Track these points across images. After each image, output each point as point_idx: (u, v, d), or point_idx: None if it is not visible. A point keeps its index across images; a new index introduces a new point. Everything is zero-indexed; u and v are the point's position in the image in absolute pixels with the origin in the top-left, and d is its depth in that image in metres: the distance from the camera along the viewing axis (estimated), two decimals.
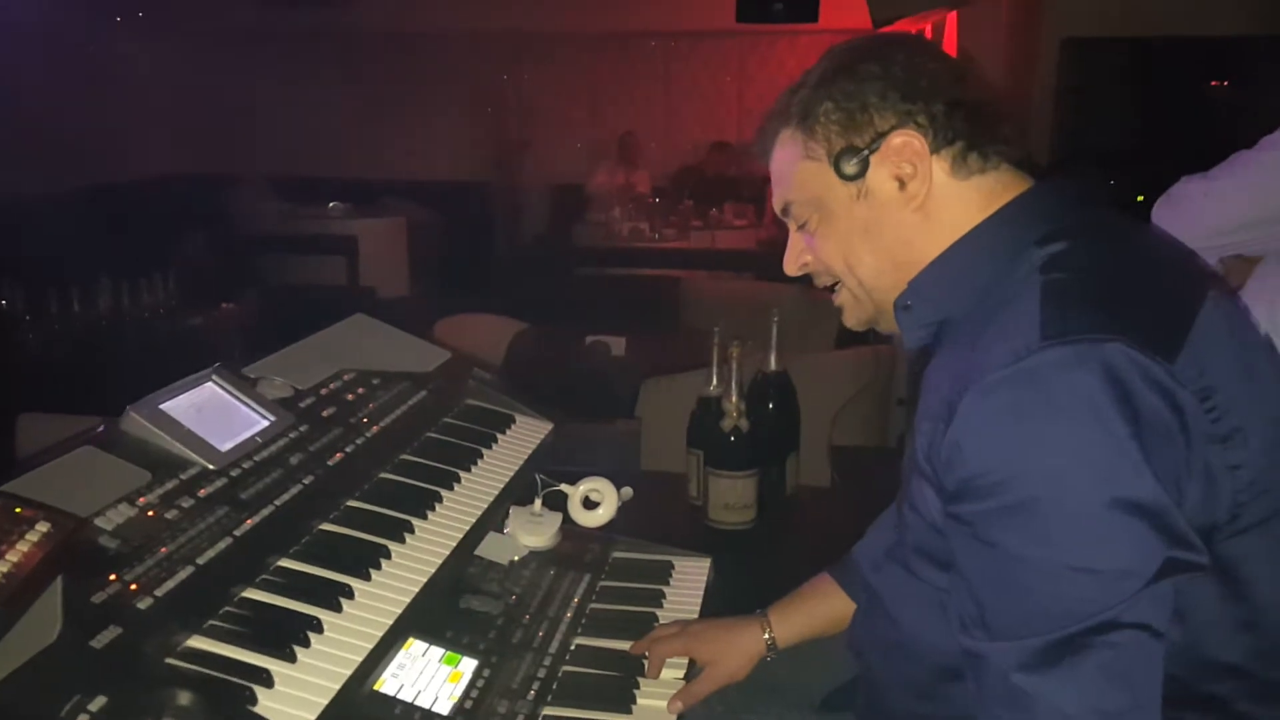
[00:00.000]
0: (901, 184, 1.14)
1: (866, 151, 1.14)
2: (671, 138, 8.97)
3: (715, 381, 2.21)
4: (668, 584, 1.75)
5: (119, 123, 6.29)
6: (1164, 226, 1.93)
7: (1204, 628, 1.02)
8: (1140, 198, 6.38)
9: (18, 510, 1.08)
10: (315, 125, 7.72)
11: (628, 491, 1.84)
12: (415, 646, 1.39)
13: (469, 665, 1.40)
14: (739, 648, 1.53)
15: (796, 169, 1.21)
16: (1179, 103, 6.04)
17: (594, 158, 8.32)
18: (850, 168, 1.15)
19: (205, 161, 7.42)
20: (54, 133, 5.87)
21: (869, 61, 1.16)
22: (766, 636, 1.53)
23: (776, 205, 1.27)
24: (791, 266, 1.27)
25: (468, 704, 1.33)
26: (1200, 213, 1.94)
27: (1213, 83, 6.24)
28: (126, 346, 4.47)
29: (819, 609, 1.55)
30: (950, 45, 6.75)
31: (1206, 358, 0.96)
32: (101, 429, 1.34)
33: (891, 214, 1.16)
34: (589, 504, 1.83)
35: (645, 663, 1.51)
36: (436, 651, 1.40)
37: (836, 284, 1.26)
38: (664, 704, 1.43)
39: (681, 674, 1.50)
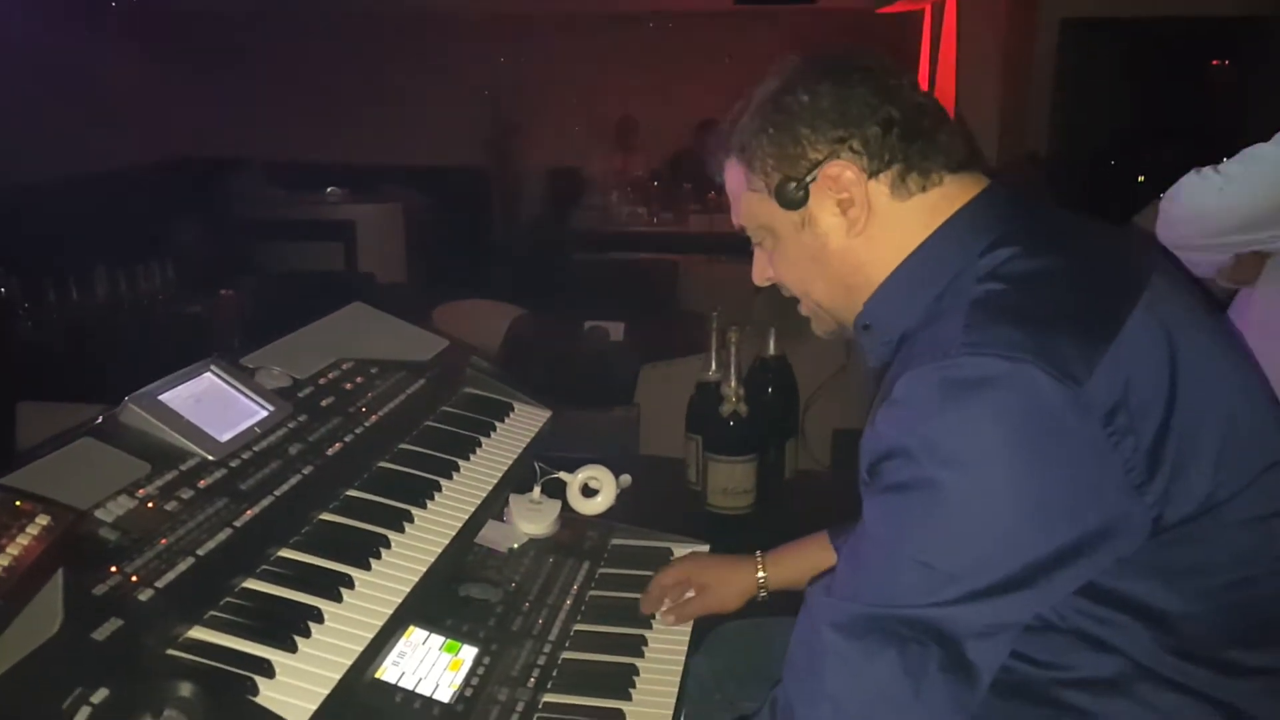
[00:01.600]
0: (842, 212, 1.16)
1: (805, 182, 1.15)
2: (670, 121, 8.94)
3: (714, 366, 2.21)
4: None
5: (113, 109, 6.26)
6: (1172, 223, 1.88)
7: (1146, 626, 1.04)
8: (1141, 178, 6.38)
9: (18, 504, 1.08)
10: (310, 110, 7.69)
11: (626, 479, 1.85)
12: (416, 635, 1.40)
13: (469, 653, 1.41)
14: (734, 581, 1.65)
15: (743, 198, 1.23)
16: (1179, 83, 6.02)
17: (591, 141, 8.29)
18: (791, 199, 1.16)
19: (201, 147, 7.39)
20: (49, 119, 5.85)
21: (797, 92, 1.16)
22: (760, 575, 1.64)
23: (736, 224, 1.29)
24: (758, 279, 1.30)
25: (468, 691, 1.34)
26: (1214, 210, 1.84)
27: (1213, 62, 6.23)
28: (125, 334, 4.46)
29: (811, 559, 1.61)
30: (950, 28, 6.73)
31: (1128, 368, 0.98)
32: (100, 420, 1.34)
33: (836, 240, 1.17)
34: (588, 491, 1.84)
35: (644, 649, 1.52)
36: (437, 639, 1.41)
37: None
38: (665, 689, 1.44)
39: (683, 656, 1.52)
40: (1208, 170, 1.86)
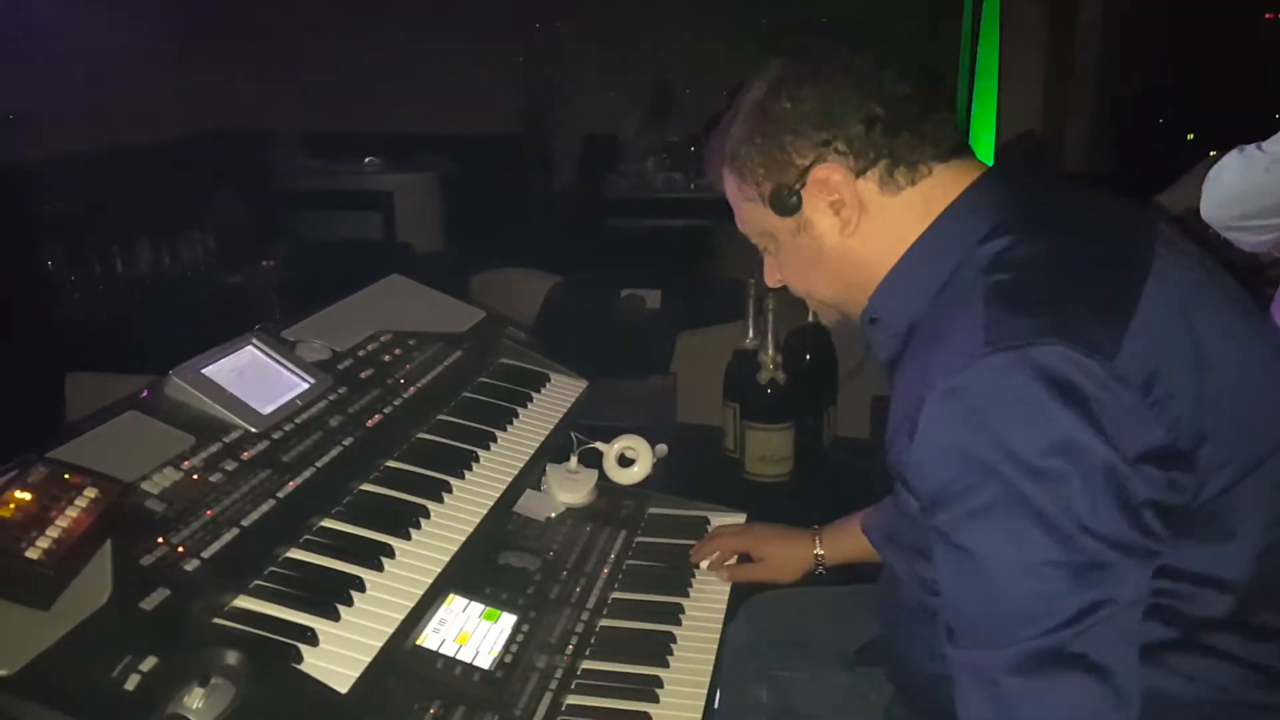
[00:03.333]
0: (836, 212, 1.15)
1: (795, 188, 1.15)
2: (707, 85, 8.85)
3: (751, 334, 2.20)
4: (702, 539, 1.76)
5: (154, 81, 6.32)
6: (1219, 204, 1.82)
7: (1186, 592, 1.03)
8: (1190, 136, 6.22)
9: (66, 477, 1.11)
10: (347, 80, 7.70)
11: (662, 449, 1.85)
12: (456, 602, 1.42)
13: (508, 620, 1.43)
14: (794, 554, 1.67)
15: (740, 207, 1.23)
16: (1230, 38, 5.85)
17: (627, 106, 8.23)
18: (784, 206, 1.16)
19: (240, 120, 7.44)
20: (91, 92, 5.92)
21: (780, 98, 1.14)
22: (818, 551, 1.66)
23: (740, 227, 1.29)
24: (770, 282, 1.29)
25: (508, 658, 1.36)
26: (1262, 189, 1.78)
27: (1266, 16, 6.04)
28: (168, 305, 4.53)
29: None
30: None
31: (1153, 340, 0.97)
32: (145, 394, 1.37)
33: (832, 240, 1.17)
34: (624, 461, 1.84)
35: (682, 616, 1.53)
36: (476, 607, 1.43)
37: None
38: (701, 657, 1.45)
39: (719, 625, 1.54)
40: (1250, 149, 1.80)
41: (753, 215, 1.22)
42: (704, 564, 1.68)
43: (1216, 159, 1.96)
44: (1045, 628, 0.94)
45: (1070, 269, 1.03)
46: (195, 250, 4.86)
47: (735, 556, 1.70)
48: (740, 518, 1.82)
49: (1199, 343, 1.01)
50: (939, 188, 1.13)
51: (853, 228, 1.15)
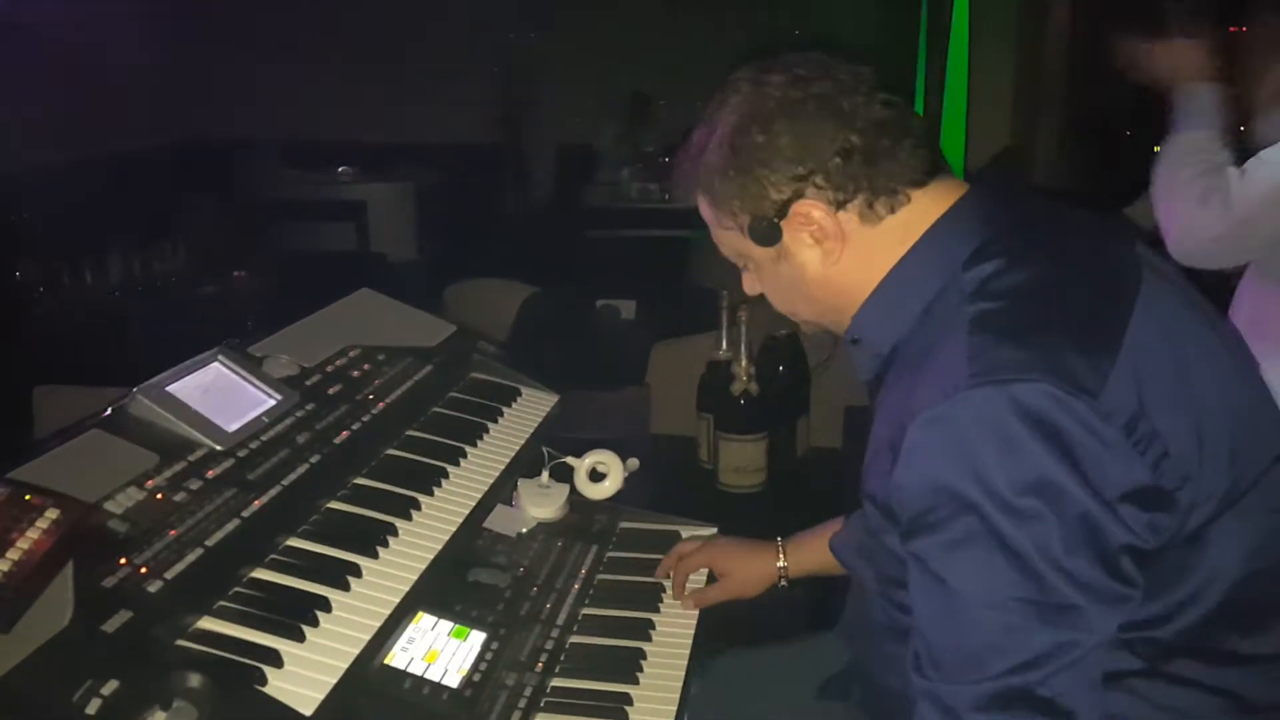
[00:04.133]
0: (816, 243, 1.15)
1: (774, 221, 1.14)
2: (682, 96, 8.89)
3: (724, 345, 2.21)
4: None
5: (124, 90, 6.27)
6: (1252, 205, 1.83)
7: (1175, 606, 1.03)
8: (1157, 149, 6.28)
9: (27, 498, 1.10)
10: (321, 89, 7.67)
11: (634, 463, 1.85)
12: (424, 620, 1.41)
13: (478, 638, 1.42)
14: (756, 568, 1.64)
15: (720, 234, 1.22)
16: None
17: (603, 117, 8.24)
18: (763, 239, 1.16)
19: (212, 128, 7.39)
20: (60, 101, 5.87)
21: (752, 132, 1.13)
22: (781, 564, 1.63)
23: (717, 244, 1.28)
24: (750, 292, 1.28)
25: (476, 676, 1.35)
26: None
27: (1230, 30, 6.11)
28: (140, 317, 4.49)
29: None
30: None
31: (1139, 376, 0.97)
32: (109, 412, 1.35)
33: (814, 270, 1.16)
34: (595, 476, 1.84)
35: (652, 633, 1.53)
36: (445, 625, 1.42)
37: None
38: (671, 673, 1.45)
39: (689, 640, 1.53)
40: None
41: (730, 240, 1.21)
42: (667, 591, 1.65)
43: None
44: (1011, 664, 0.94)
45: (1056, 300, 1.02)
46: (167, 260, 4.83)
47: (704, 574, 1.67)
48: (711, 530, 1.83)
49: (1185, 376, 1.01)
50: (919, 213, 1.13)
51: (835, 257, 1.14)
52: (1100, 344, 0.97)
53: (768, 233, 1.15)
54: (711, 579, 1.68)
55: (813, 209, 1.12)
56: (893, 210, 1.13)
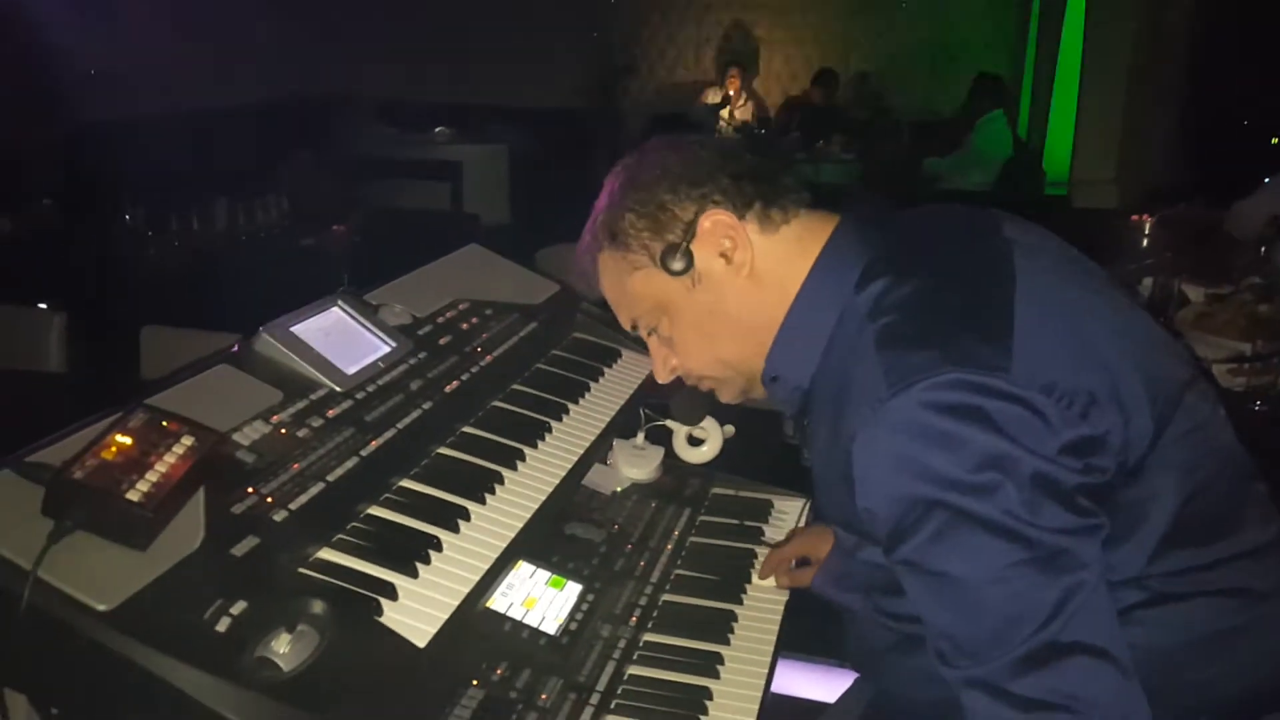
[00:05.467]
0: (727, 259, 1.19)
1: (686, 241, 1.19)
2: (780, 68, 8.80)
3: None
4: (766, 522, 1.77)
5: (235, 46, 6.44)
6: None
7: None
8: (1276, 140, 6.02)
9: (165, 424, 1.15)
10: (421, 50, 7.77)
11: (730, 429, 1.86)
12: (524, 568, 1.45)
13: (574, 589, 1.45)
14: None
15: (628, 283, 1.25)
16: None
17: (698, 87, 8.21)
18: (677, 263, 1.19)
19: (315, 85, 7.54)
20: (174, 55, 6.05)
21: (646, 169, 1.22)
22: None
23: (625, 323, 1.32)
24: (663, 376, 1.32)
25: (573, 625, 1.39)
26: None
27: None
28: (242, 264, 4.63)
29: None
30: None
31: (1038, 348, 1.02)
32: (235, 348, 1.41)
33: (729, 288, 1.20)
34: (693, 441, 1.86)
35: (744, 596, 1.55)
36: (543, 574, 1.46)
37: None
38: (763, 636, 1.46)
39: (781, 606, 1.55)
40: None
41: (642, 288, 1.24)
42: (759, 556, 1.66)
43: None
44: (1033, 627, 0.98)
45: (945, 302, 1.08)
46: (269, 212, 4.95)
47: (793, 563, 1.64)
48: (801, 501, 1.83)
49: (1081, 338, 1.06)
50: (807, 230, 1.20)
51: (747, 269, 1.19)
52: (995, 330, 1.03)
53: (681, 257, 1.18)
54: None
55: (719, 215, 1.18)
56: (786, 221, 1.20)
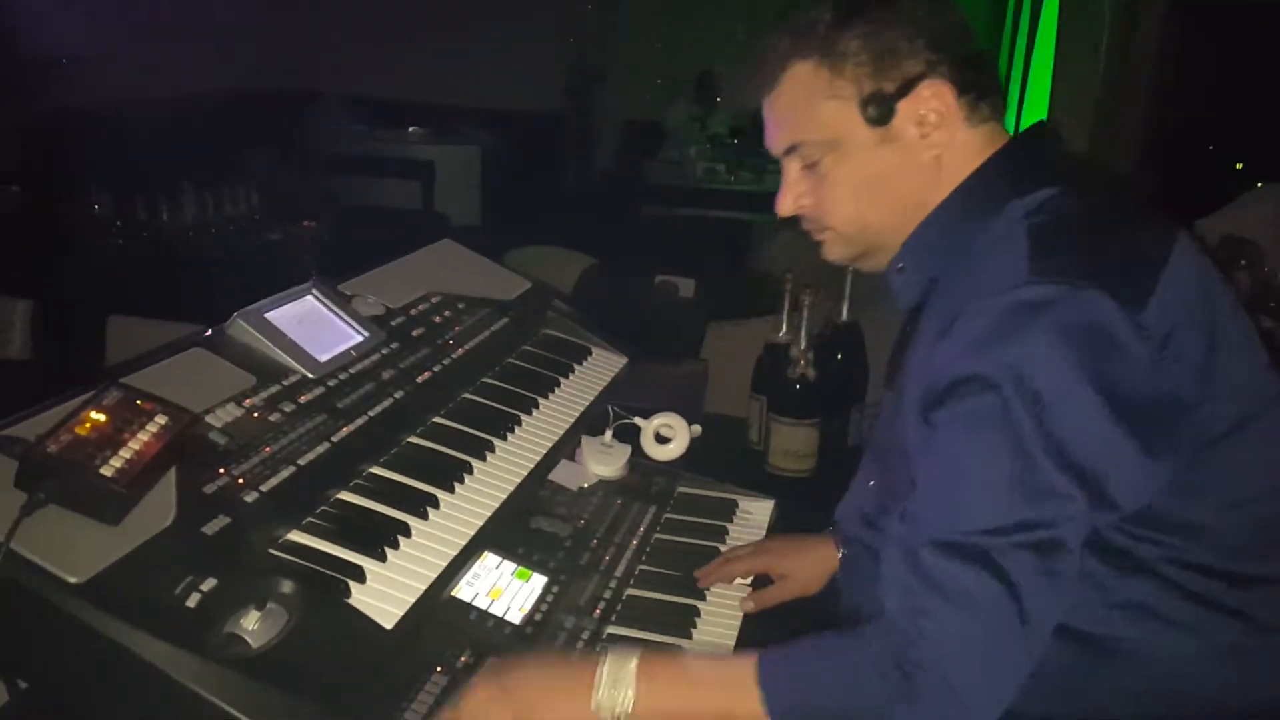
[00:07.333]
0: (923, 132, 1.14)
1: (896, 95, 1.12)
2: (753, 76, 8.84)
3: (785, 328, 2.22)
4: (731, 521, 1.80)
5: (206, 33, 6.39)
6: None
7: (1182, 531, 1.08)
8: (1239, 165, 6.15)
9: (138, 402, 1.16)
10: (395, 48, 7.75)
11: (697, 429, 1.89)
12: (489, 559, 1.47)
13: (539, 581, 1.47)
14: (813, 565, 1.56)
15: (815, 105, 1.15)
16: None
17: (671, 94, 8.24)
18: (879, 112, 1.13)
19: (282, 77, 7.49)
20: (143, 41, 5.99)
21: (891, 3, 1.14)
22: (841, 553, 1.54)
23: (778, 145, 1.22)
24: (786, 208, 1.23)
25: (537, 616, 1.40)
26: None
27: None
28: (210, 256, 4.60)
29: None
30: None
31: (1177, 299, 1.03)
32: (209, 333, 1.42)
33: (911, 159, 1.15)
34: (660, 439, 1.88)
35: (706, 592, 1.57)
36: (509, 566, 1.47)
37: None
38: (724, 631, 1.49)
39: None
40: None
41: (827, 117, 1.15)
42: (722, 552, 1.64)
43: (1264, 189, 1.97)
44: (980, 528, 0.98)
45: (1109, 224, 1.09)
46: (238, 205, 4.93)
47: (751, 579, 1.59)
48: (769, 503, 1.86)
49: (1214, 311, 1.08)
50: (996, 134, 1.18)
51: (936, 151, 1.15)
52: (1146, 267, 1.04)
53: (885, 107, 1.12)
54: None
55: (944, 89, 1.12)
56: (985, 120, 1.16)
